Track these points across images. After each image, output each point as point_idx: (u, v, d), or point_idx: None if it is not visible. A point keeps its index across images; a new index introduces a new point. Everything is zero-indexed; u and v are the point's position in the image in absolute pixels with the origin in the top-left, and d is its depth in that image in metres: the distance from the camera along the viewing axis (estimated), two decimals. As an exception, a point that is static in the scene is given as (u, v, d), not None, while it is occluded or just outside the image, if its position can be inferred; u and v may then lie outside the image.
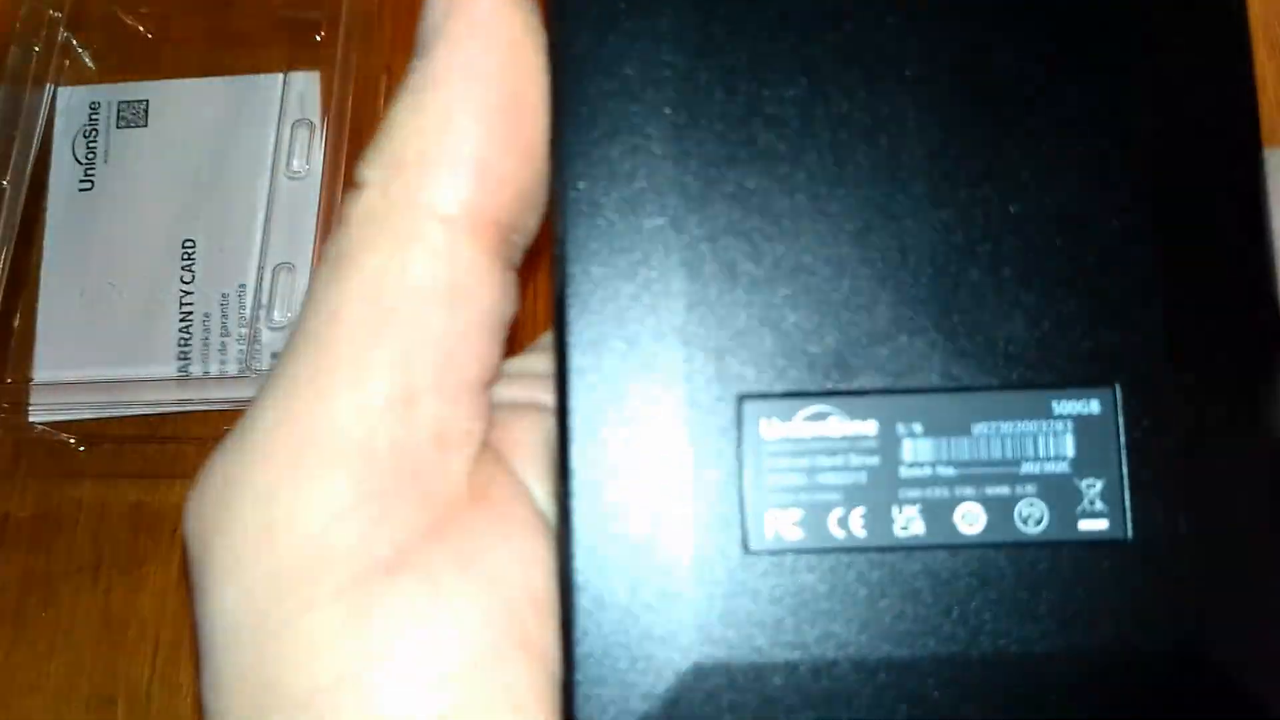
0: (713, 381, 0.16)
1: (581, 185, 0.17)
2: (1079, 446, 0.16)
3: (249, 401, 0.36)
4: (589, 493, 0.16)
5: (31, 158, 0.39)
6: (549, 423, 0.18)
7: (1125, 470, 0.16)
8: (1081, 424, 0.16)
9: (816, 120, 0.17)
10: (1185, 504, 0.16)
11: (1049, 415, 0.16)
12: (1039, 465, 0.16)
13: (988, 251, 0.16)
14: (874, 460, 0.16)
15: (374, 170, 0.17)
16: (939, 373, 0.16)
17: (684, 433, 0.16)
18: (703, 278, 0.16)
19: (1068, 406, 0.16)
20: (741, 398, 0.16)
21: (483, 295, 0.17)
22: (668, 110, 0.17)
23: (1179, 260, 0.16)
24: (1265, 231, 0.16)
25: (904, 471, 0.16)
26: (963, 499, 0.16)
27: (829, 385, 0.16)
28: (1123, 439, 0.16)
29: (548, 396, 0.18)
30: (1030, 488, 0.16)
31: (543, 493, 0.18)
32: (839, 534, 0.16)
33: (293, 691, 0.15)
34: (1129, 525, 0.16)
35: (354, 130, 0.39)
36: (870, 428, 0.16)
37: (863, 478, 0.16)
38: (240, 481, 0.16)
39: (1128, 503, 0.16)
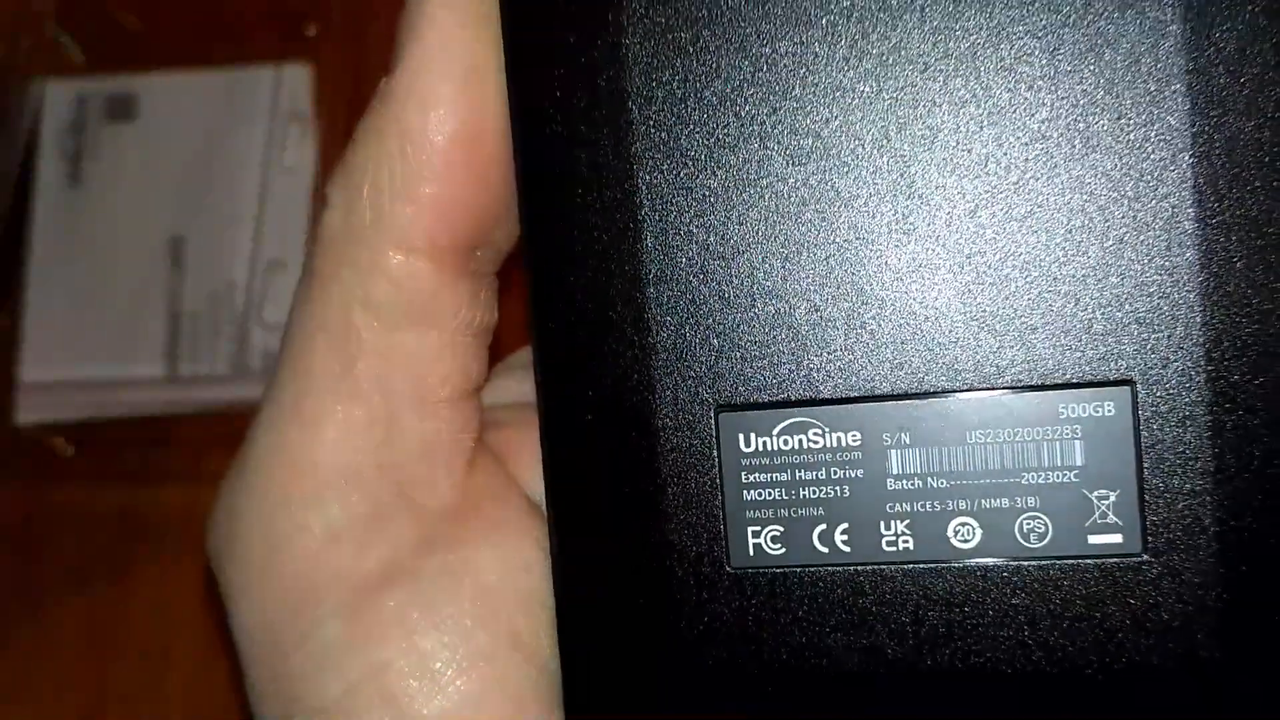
0: (690, 392, 0.16)
1: (543, 208, 0.16)
2: (1089, 454, 0.15)
3: (239, 403, 0.35)
4: (572, 511, 0.16)
5: (18, 153, 0.38)
6: None
7: (1141, 480, 0.15)
8: (1093, 428, 0.15)
9: (796, 110, 0.15)
10: (1208, 518, 0.15)
11: (1054, 420, 0.15)
12: (1042, 476, 0.15)
13: (985, 237, 0.15)
14: (858, 473, 0.15)
15: (336, 191, 0.17)
16: (929, 377, 0.15)
17: (662, 446, 0.16)
18: (674, 280, 0.16)
19: (1078, 410, 0.15)
20: (719, 409, 0.15)
21: (450, 314, 0.17)
22: (634, 122, 0.16)
23: (1224, 241, 0.14)
24: None
25: (891, 484, 0.15)
26: (957, 513, 0.15)
27: (809, 393, 0.15)
28: (1141, 444, 0.15)
29: None
30: (1032, 500, 0.15)
31: (541, 489, 0.18)
32: (822, 550, 0.15)
33: (310, 703, 0.16)
34: (1144, 539, 0.15)
35: (347, 125, 0.38)
36: (854, 438, 0.15)
37: (846, 491, 0.15)
38: (242, 511, 0.17)
39: (1143, 516, 0.15)
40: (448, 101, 0.16)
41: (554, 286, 0.16)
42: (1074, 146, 0.15)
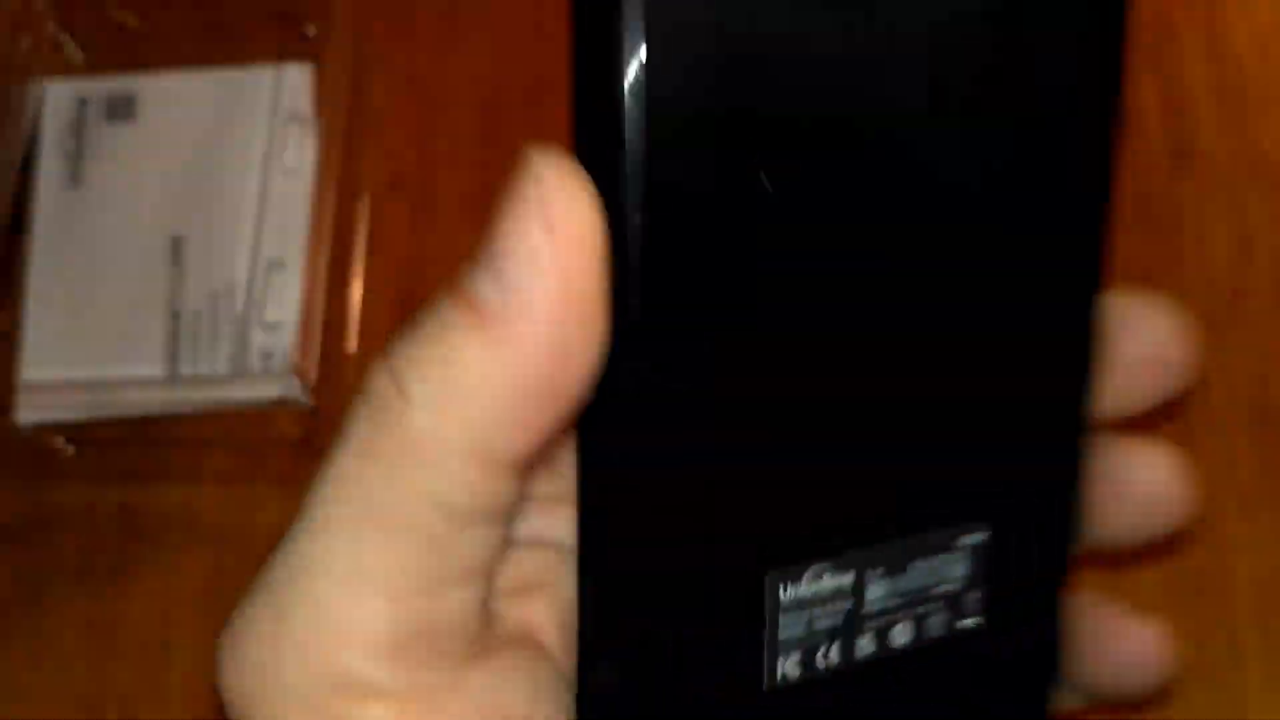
0: (738, 561, 0.19)
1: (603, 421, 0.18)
2: (968, 568, 0.20)
3: (239, 403, 0.34)
4: (619, 654, 0.19)
5: (18, 153, 0.38)
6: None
7: (987, 581, 0.20)
8: (973, 551, 0.20)
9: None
10: (1022, 602, 0.21)
11: (954, 548, 0.20)
12: (944, 586, 0.20)
13: (919, 432, 0.19)
14: (848, 604, 0.19)
15: (422, 389, 0.16)
16: (894, 525, 0.19)
17: (717, 603, 0.19)
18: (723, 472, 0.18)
19: (968, 540, 0.20)
20: (766, 574, 0.19)
21: (511, 512, 0.18)
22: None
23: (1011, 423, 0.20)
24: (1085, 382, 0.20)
25: (866, 608, 0.20)
26: (900, 620, 0.20)
27: (826, 549, 0.19)
28: (992, 559, 0.20)
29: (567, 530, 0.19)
30: (939, 604, 0.20)
31: (557, 628, 0.19)
32: (821, 665, 0.20)
33: None
34: (986, 620, 0.21)
35: (347, 125, 0.38)
36: (849, 578, 0.19)
37: (840, 620, 0.19)
38: (283, 676, 0.17)
39: (988, 604, 0.21)
40: (533, 364, 0.16)
41: (608, 462, 0.18)
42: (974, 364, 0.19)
